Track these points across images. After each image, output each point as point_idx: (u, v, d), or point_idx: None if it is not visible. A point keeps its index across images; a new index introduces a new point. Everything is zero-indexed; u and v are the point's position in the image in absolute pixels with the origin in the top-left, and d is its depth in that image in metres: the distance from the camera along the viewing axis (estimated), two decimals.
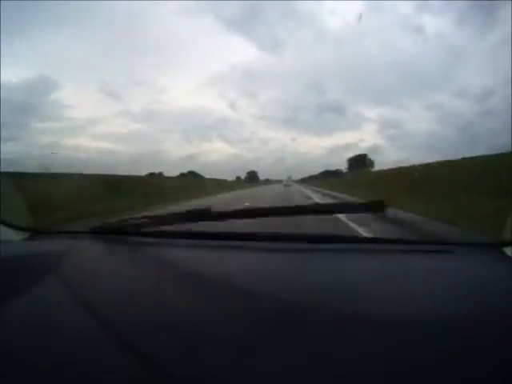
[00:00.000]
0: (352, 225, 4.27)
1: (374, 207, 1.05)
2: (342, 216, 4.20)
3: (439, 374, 0.41)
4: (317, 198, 11.20)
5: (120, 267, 0.85)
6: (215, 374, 0.42)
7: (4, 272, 0.73)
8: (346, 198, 10.06)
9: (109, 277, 0.78)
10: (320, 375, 0.41)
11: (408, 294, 0.64)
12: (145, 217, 1.13)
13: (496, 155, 9.17)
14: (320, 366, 0.43)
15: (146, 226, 1.07)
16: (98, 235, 1.16)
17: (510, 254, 0.80)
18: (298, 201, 9.95)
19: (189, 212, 1.06)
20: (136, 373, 0.42)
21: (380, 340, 0.48)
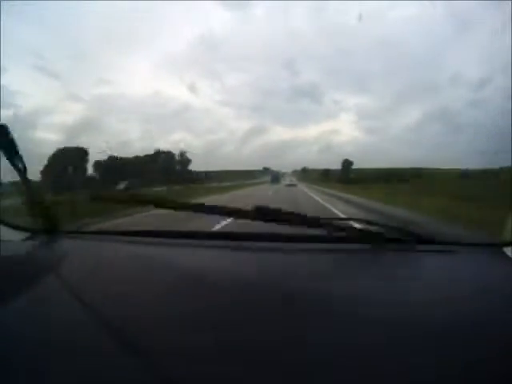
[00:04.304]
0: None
1: None
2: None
3: (439, 374, 0.41)
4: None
5: (120, 267, 0.85)
6: (214, 373, 0.42)
7: (4, 272, 0.73)
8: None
9: (109, 277, 0.78)
10: (319, 375, 0.41)
11: (408, 293, 0.64)
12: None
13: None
14: (320, 366, 0.43)
15: (146, 226, 1.07)
16: (98, 235, 1.16)
17: (510, 254, 0.80)
18: None
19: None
20: (136, 372, 0.42)
21: (379, 341, 0.48)
